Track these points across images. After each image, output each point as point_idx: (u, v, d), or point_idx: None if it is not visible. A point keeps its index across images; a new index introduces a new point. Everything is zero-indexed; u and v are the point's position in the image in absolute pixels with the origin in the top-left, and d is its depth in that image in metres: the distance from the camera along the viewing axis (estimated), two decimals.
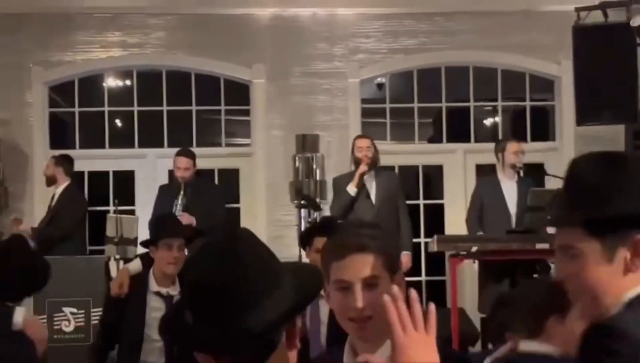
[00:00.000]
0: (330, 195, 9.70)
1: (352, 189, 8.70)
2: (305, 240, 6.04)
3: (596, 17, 8.20)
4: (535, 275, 8.99)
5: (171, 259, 5.57)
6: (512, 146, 9.10)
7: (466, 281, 9.90)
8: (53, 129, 10.70)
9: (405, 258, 8.80)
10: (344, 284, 2.54)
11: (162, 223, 6.11)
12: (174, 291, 5.63)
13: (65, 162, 9.50)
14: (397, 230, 8.88)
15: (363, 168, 8.68)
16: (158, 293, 5.64)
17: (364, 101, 10.88)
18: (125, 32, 10.50)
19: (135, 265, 5.85)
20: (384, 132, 10.98)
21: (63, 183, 9.43)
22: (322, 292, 4.55)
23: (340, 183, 9.02)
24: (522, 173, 9.30)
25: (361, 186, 8.74)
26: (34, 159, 10.30)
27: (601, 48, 8.13)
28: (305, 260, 6.57)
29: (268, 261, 2.16)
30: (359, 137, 9.32)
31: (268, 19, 10.59)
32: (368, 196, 8.84)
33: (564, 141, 10.68)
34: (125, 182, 10.62)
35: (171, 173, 10.11)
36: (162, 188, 9.62)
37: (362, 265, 2.54)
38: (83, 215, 9.52)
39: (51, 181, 9.50)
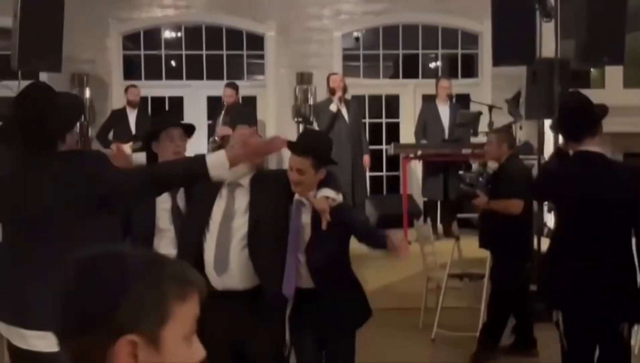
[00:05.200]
0: None
1: (334, 107, 8.74)
2: None
3: None
4: (460, 172, 9.19)
5: (174, 149, 4.04)
6: (441, 83, 9.37)
7: (413, 176, 10.08)
8: (125, 66, 10.81)
9: (366, 158, 9.13)
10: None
11: (162, 118, 4.85)
12: None
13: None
14: (361, 138, 9.06)
15: (339, 93, 8.75)
16: None
17: (344, 49, 10.88)
18: None
19: (141, 161, 4.45)
20: (358, 71, 11.02)
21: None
22: (303, 200, 3.87)
23: (320, 106, 9.04)
24: (454, 100, 9.43)
25: (337, 109, 8.77)
26: (112, 87, 10.48)
27: (510, 11, 7.93)
28: None
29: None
30: (331, 74, 9.28)
31: None
32: (342, 116, 8.85)
33: (484, 78, 10.80)
34: (176, 104, 10.69)
35: (209, 99, 10.39)
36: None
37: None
38: None
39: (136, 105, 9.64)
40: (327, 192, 3.85)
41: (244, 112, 9.75)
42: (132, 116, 9.59)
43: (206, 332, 3.83)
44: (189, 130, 4.21)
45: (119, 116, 9.58)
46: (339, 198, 3.90)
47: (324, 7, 10.74)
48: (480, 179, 9.29)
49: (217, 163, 3.08)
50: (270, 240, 3.85)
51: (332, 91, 8.86)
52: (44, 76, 9.88)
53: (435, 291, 7.17)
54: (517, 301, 6.19)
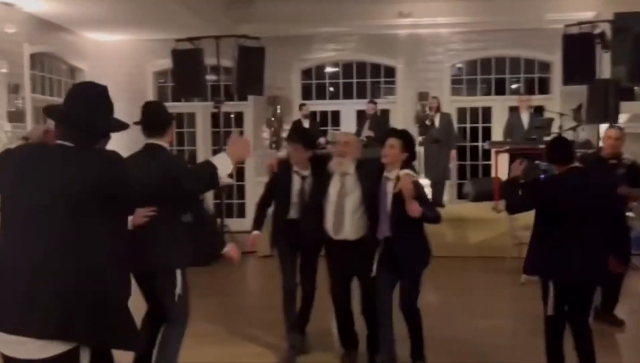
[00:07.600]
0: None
1: (430, 118, 9.18)
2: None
3: (575, 29, 8.05)
4: (536, 161, 9.38)
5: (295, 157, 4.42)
6: (520, 99, 9.21)
7: (503, 164, 9.43)
8: (304, 91, 10.88)
9: (453, 152, 9.18)
10: None
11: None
12: (306, 172, 4.38)
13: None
14: (449, 139, 9.09)
15: (433, 106, 9.18)
16: (296, 172, 4.36)
17: (452, 75, 10.72)
18: (335, 44, 10.70)
19: (283, 153, 4.80)
20: (462, 91, 10.84)
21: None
22: (389, 176, 3.96)
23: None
24: (532, 110, 9.18)
25: (433, 118, 9.11)
26: (294, 105, 10.53)
27: (577, 44, 8.01)
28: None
29: None
30: (432, 97, 9.44)
31: (406, 35, 10.56)
32: (434, 123, 9.14)
33: (555, 94, 10.38)
34: (334, 117, 10.80)
35: (359, 113, 10.33)
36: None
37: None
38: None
39: (308, 116, 9.67)
40: (408, 171, 3.95)
41: (382, 120, 9.78)
42: (305, 123, 9.72)
43: (332, 266, 4.40)
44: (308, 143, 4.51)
45: (297, 123, 9.68)
46: (416, 176, 3.98)
47: (438, 46, 10.64)
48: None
49: (222, 161, 2.45)
50: (369, 206, 4.13)
51: (430, 107, 9.27)
52: (251, 98, 10.53)
53: (517, 246, 7.17)
54: None
